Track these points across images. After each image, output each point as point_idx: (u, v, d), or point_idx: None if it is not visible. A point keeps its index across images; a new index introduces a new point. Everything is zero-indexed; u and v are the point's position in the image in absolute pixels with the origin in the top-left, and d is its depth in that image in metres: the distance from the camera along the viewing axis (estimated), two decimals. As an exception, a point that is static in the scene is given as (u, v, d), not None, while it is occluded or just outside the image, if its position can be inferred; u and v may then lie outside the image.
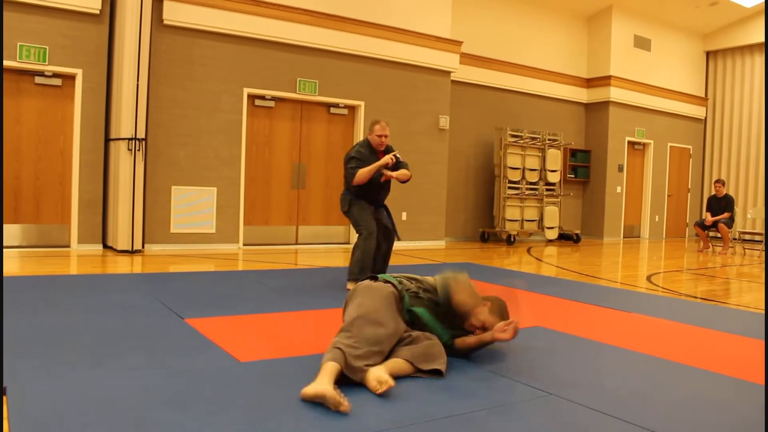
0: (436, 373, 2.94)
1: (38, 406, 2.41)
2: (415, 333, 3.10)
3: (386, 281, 3.26)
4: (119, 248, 7.83)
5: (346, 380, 2.74)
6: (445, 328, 3.26)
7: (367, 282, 3.26)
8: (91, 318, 3.95)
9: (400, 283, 3.30)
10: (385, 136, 5.54)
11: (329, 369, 2.67)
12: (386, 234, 5.80)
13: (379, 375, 2.67)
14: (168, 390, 2.65)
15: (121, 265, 6.87)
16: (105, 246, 8.20)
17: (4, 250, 7.55)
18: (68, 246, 8.01)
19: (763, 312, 5.28)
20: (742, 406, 2.73)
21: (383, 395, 2.63)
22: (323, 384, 2.55)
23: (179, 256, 7.83)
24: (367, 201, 5.66)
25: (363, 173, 5.45)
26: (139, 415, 2.35)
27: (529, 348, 3.50)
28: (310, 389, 2.55)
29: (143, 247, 8.12)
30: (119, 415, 2.35)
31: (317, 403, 2.51)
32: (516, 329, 3.15)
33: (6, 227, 7.69)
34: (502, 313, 3.33)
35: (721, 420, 2.55)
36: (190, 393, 2.62)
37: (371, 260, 5.54)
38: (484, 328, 3.27)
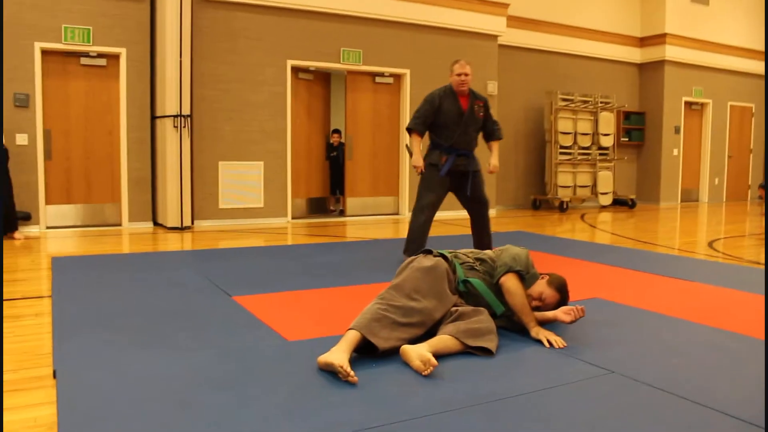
0: (485, 351, 2.81)
1: (86, 390, 2.38)
2: (464, 308, 2.98)
3: (440, 254, 3.16)
4: (169, 225, 7.89)
5: (390, 356, 2.66)
6: (501, 299, 3.14)
7: (418, 257, 3.16)
8: (140, 297, 3.94)
9: (455, 256, 3.20)
10: (465, 74, 5.26)
11: (348, 338, 2.64)
12: (471, 205, 5.54)
13: (421, 354, 2.56)
14: (215, 371, 2.60)
15: (171, 243, 6.91)
16: (155, 223, 8.27)
17: (58, 230, 7.67)
18: (120, 224, 8.11)
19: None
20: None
21: (430, 376, 2.52)
22: (335, 353, 2.53)
23: (228, 232, 7.84)
24: (449, 150, 5.32)
25: (412, 143, 5.38)
26: (185, 398, 2.30)
27: (588, 321, 3.34)
28: (322, 357, 2.54)
29: (193, 223, 8.16)
30: (166, 397, 2.30)
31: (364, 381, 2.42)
32: (581, 315, 3.01)
33: (59, 207, 7.81)
34: (560, 287, 3.19)
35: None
36: (237, 374, 2.56)
37: (419, 235, 5.36)
38: (541, 299, 3.15)
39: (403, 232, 8.26)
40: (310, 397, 2.32)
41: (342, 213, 9.95)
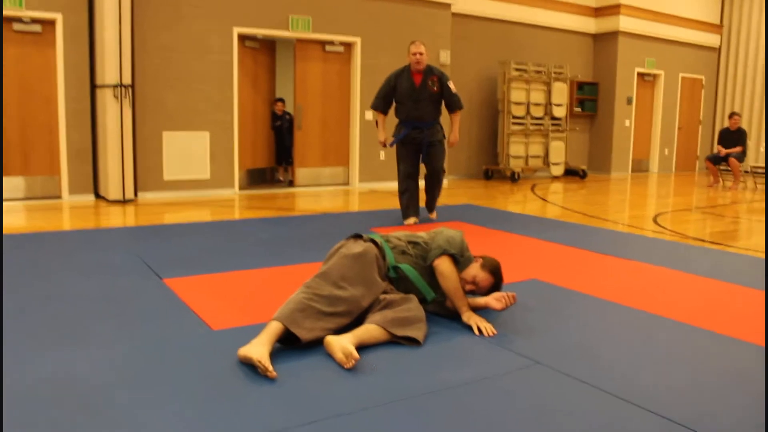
0: (412, 341, 2.75)
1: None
2: (392, 296, 2.91)
3: (370, 239, 3.07)
4: (111, 198, 7.65)
5: (314, 346, 2.60)
6: (433, 284, 3.08)
7: (347, 242, 3.07)
8: (67, 282, 3.78)
9: (387, 240, 3.13)
10: (420, 53, 5.90)
11: (270, 329, 2.56)
12: (427, 173, 6.31)
13: (344, 346, 2.49)
14: (129, 367, 2.49)
15: (111, 217, 6.70)
16: (97, 196, 8.02)
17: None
18: (59, 197, 7.84)
19: (773, 255, 5.06)
20: (754, 374, 2.54)
21: (353, 369, 2.46)
22: (255, 346, 2.45)
23: (173, 204, 7.65)
24: (405, 124, 6.07)
25: (377, 120, 6.31)
26: (91, 399, 2.19)
27: (522, 306, 3.31)
28: (242, 350, 2.47)
29: (136, 195, 7.94)
30: (69, 400, 2.18)
31: (285, 378, 2.34)
32: (512, 302, 2.97)
33: (-6, 180, 7.51)
34: (494, 270, 3.14)
35: (729, 391, 2.37)
36: (152, 370, 2.45)
37: (406, 203, 6.19)
38: (475, 282, 3.10)
39: (353, 203, 8.22)
40: (228, 395, 2.23)
41: (291, 183, 9.81)
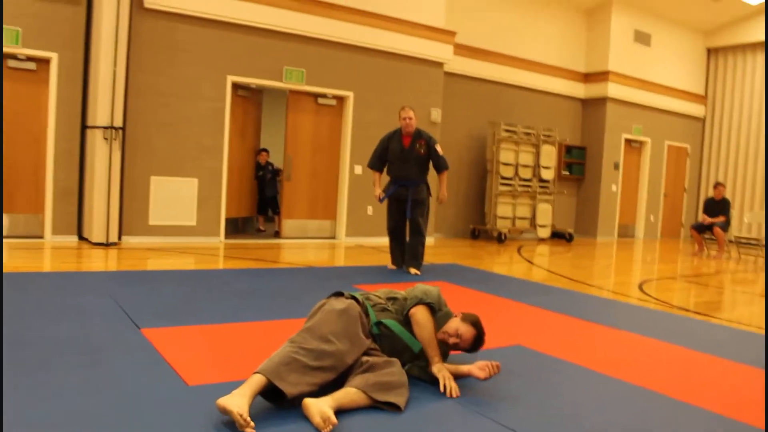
0: (394, 407, 2.68)
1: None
2: (375, 359, 2.84)
3: (351, 296, 3.03)
4: (94, 240, 7.56)
5: (291, 408, 2.50)
6: (416, 338, 3.04)
7: (329, 299, 3.02)
8: (42, 325, 3.68)
9: (367, 298, 3.10)
10: (409, 118, 6.44)
11: (252, 382, 2.48)
12: (409, 227, 6.71)
13: (322, 410, 2.40)
14: (100, 419, 2.39)
15: (94, 260, 6.60)
16: (80, 237, 7.92)
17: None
18: (42, 237, 7.73)
19: (763, 333, 5.05)
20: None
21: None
22: (236, 398, 2.37)
23: (156, 250, 7.56)
24: (393, 182, 6.61)
25: (373, 178, 6.80)
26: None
27: (505, 373, 3.24)
28: (222, 400, 2.38)
29: (120, 239, 7.85)
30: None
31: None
32: (495, 371, 2.92)
33: (-25, 216, 7.40)
34: (475, 323, 3.12)
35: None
36: (124, 424, 2.36)
37: (392, 253, 6.85)
38: (458, 335, 3.06)
39: (339, 258, 8.17)
40: (197, 458, 2.14)
41: (276, 234, 9.76)
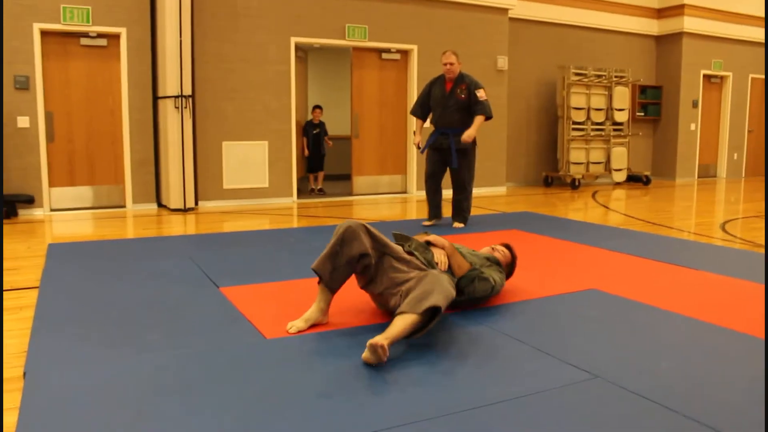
0: (435, 310, 2.75)
1: (49, 395, 2.31)
2: (409, 284, 3.00)
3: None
4: (172, 207, 7.83)
5: (361, 361, 2.56)
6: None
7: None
8: (127, 289, 3.86)
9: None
10: (450, 64, 6.10)
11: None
12: (452, 180, 6.36)
13: (369, 344, 2.57)
14: (182, 374, 2.51)
15: (174, 225, 6.84)
16: (159, 205, 8.22)
17: (62, 212, 7.64)
18: (123, 206, 8.06)
19: None
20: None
21: (400, 383, 2.41)
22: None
23: (232, 213, 7.77)
24: (435, 130, 6.27)
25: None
26: (143, 405, 2.21)
27: (581, 317, 3.21)
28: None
29: (196, 204, 8.10)
30: (123, 404, 2.22)
31: (332, 388, 2.33)
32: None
33: (62, 190, 7.77)
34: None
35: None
36: (204, 378, 2.47)
37: (429, 201, 6.48)
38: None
39: (411, 211, 8.19)
40: (273, 408, 2.22)
41: (321, 192, 9.77)
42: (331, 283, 3.09)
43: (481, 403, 2.24)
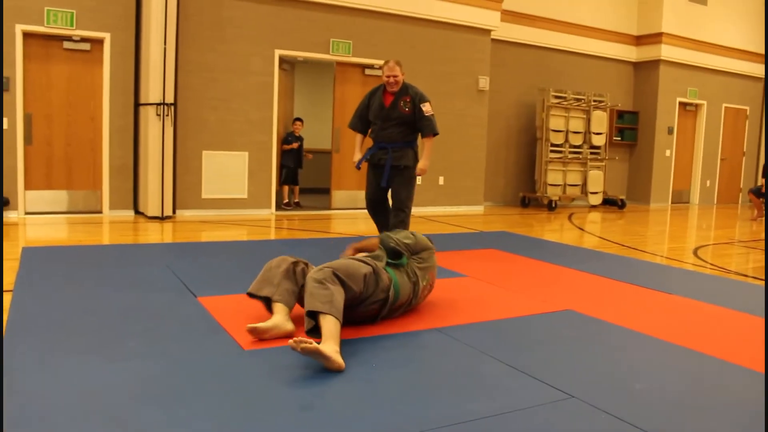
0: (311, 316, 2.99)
1: (21, 403, 2.28)
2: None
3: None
4: (150, 214, 7.78)
5: (339, 374, 2.57)
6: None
7: None
8: (103, 295, 3.84)
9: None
10: (394, 77, 5.41)
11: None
12: (392, 199, 5.66)
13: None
14: (160, 384, 2.50)
15: (149, 233, 6.80)
16: (136, 212, 8.16)
17: (37, 216, 7.56)
18: (100, 212, 7.99)
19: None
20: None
21: (376, 397, 2.43)
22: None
23: (210, 222, 7.74)
24: (374, 145, 5.61)
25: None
26: (120, 413, 2.20)
27: (556, 337, 3.26)
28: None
29: (174, 213, 8.06)
30: (98, 412, 2.21)
31: (313, 400, 2.33)
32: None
33: (38, 193, 7.69)
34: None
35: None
36: (182, 387, 2.46)
37: (378, 223, 5.74)
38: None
39: (388, 228, 8.19)
40: (250, 417, 2.23)
41: (297, 205, 9.78)
42: (280, 297, 3.29)
43: (458, 420, 2.27)
